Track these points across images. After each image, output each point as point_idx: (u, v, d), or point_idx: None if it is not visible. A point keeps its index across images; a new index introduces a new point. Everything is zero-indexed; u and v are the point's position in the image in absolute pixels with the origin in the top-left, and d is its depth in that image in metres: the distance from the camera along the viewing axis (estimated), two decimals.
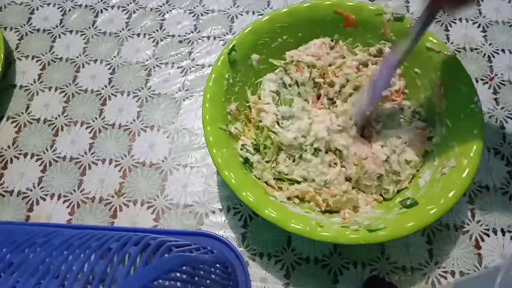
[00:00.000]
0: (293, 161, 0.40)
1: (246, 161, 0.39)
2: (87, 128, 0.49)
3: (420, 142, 0.40)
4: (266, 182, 0.40)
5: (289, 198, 0.39)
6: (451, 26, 0.53)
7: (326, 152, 0.39)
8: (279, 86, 0.43)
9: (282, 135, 0.40)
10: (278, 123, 0.41)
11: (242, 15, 0.55)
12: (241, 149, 0.39)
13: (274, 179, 0.40)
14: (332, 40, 0.45)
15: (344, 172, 0.39)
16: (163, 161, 0.46)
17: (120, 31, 0.55)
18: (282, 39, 0.44)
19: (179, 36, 0.54)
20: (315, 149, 0.39)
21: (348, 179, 0.40)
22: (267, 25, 0.43)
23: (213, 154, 0.37)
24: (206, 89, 0.40)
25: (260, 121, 0.41)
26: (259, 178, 0.39)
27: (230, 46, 0.41)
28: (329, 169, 0.39)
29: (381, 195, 0.40)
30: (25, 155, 0.48)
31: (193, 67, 0.52)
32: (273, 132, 0.40)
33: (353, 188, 0.40)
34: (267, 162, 0.40)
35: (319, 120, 0.40)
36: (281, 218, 0.34)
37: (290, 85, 0.43)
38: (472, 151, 0.34)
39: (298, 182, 0.39)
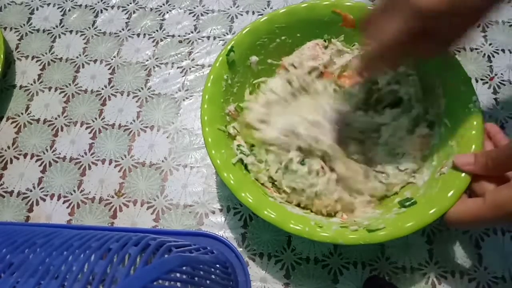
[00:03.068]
0: (285, 168, 0.39)
1: (242, 162, 0.39)
2: (87, 128, 0.49)
3: (419, 151, 0.39)
4: (263, 184, 0.39)
5: (287, 201, 0.39)
6: None
7: (312, 159, 0.39)
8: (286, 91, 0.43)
9: (264, 132, 0.39)
10: (263, 121, 0.40)
11: (242, 15, 0.55)
12: (237, 149, 0.39)
13: (269, 182, 0.40)
14: (324, 41, 0.45)
15: (333, 178, 0.38)
16: (163, 161, 0.46)
17: (120, 31, 0.55)
18: (280, 40, 0.44)
19: (179, 36, 0.54)
20: (302, 159, 0.38)
21: (338, 181, 0.39)
22: (266, 25, 0.43)
23: (212, 155, 0.36)
24: (205, 90, 0.39)
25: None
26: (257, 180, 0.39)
27: (228, 47, 0.41)
28: (318, 179, 0.38)
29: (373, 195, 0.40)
30: (25, 155, 0.48)
31: (193, 67, 0.52)
32: (255, 129, 0.40)
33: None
34: (260, 162, 0.40)
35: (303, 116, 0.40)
36: (280, 219, 0.34)
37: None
38: (471, 151, 0.34)
39: (288, 193, 0.39)
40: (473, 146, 0.34)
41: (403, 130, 0.39)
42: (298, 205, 0.39)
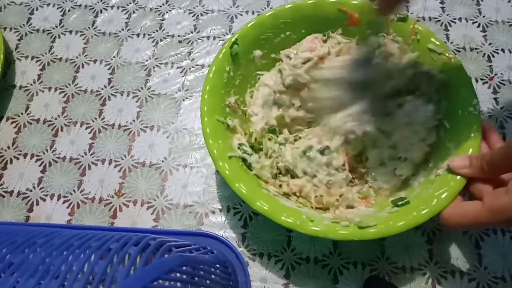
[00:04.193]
0: (303, 153, 0.39)
1: (244, 161, 0.39)
2: (86, 128, 0.49)
3: (421, 156, 0.39)
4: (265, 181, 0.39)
5: (287, 195, 0.39)
6: (450, 26, 0.53)
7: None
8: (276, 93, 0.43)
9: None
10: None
11: (242, 15, 0.55)
12: (238, 148, 0.39)
13: (275, 174, 0.40)
14: (324, 35, 0.44)
15: (350, 177, 0.39)
16: (163, 161, 0.46)
17: (120, 31, 0.55)
18: (285, 35, 0.44)
19: (178, 36, 0.54)
20: (323, 149, 0.38)
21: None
22: (271, 20, 0.43)
23: (209, 145, 0.36)
24: (206, 81, 0.39)
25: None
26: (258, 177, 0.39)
27: (233, 40, 0.41)
28: (336, 173, 0.38)
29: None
30: (25, 155, 0.48)
31: (192, 67, 0.52)
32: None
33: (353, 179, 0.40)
34: (269, 157, 0.40)
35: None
36: (272, 211, 0.34)
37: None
38: (468, 153, 0.34)
39: (298, 177, 0.39)
40: (471, 150, 0.34)
41: (418, 138, 0.39)
42: (299, 194, 0.39)
